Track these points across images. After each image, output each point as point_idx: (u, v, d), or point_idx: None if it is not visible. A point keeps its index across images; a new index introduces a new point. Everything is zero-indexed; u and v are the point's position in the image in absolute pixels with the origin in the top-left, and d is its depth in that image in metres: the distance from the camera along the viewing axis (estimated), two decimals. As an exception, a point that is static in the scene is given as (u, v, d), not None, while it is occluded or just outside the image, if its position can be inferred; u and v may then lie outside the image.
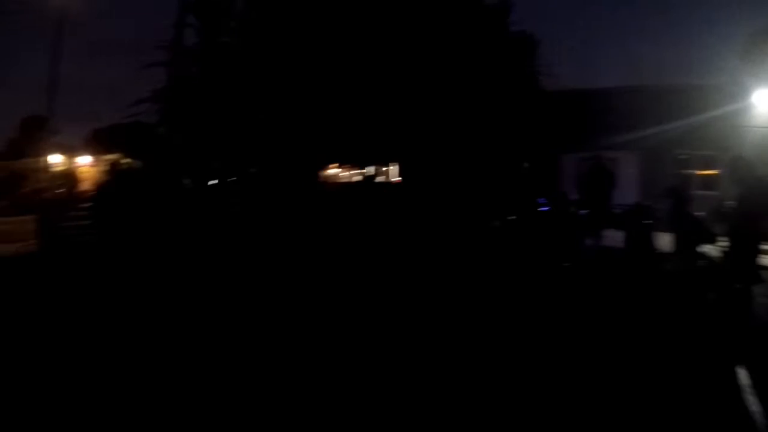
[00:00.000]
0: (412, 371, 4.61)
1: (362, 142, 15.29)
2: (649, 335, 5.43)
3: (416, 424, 3.78)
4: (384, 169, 21.31)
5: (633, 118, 19.76)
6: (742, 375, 4.41)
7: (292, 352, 5.18)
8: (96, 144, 38.55)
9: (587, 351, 5.06)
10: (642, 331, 5.55)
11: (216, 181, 17.41)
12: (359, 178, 21.14)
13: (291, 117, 14.77)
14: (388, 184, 20.04)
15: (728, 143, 17.24)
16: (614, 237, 10.44)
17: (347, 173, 22.60)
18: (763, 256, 5.92)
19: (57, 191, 20.71)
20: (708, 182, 19.22)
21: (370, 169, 21.12)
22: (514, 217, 13.20)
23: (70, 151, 32.03)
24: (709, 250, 6.67)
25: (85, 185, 17.95)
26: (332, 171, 21.64)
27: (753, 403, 3.97)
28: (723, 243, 6.31)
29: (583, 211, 11.87)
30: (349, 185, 20.62)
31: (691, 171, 20.47)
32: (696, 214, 7.45)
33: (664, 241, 7.87)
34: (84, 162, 25.80)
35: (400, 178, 19.19)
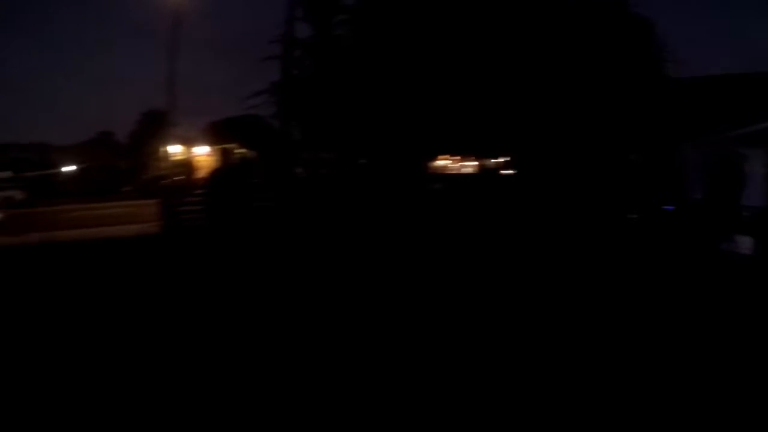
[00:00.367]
0: (554, 366, 4.23)
1: (475, 134, 14.87)
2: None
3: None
4: (492, 161, 20.75)
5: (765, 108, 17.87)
6: None
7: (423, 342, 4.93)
8: (212, 135, 40.71)
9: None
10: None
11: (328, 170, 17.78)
12: (471, 169, 20.78)
13: (403, 108, 14.64)
14: (509, 176, 19.24)
15: None
16: (742, 242, 9.25)
17: (457, 164, 22.35)
18: None
19: (176, 178, 22.13)
20: None
21: (488, 161, 20.46)
22: (635, 216, 12.13)
23: (188, 141, 33.97)
24: None
25: (202, 173, 18.90)
26: (442, 162, 21.45)
27: None
28: None
29: (707, 210, 10.69)
30: (470, 176, 20.24)
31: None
32: None
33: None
34: (201, 152, 27.25)
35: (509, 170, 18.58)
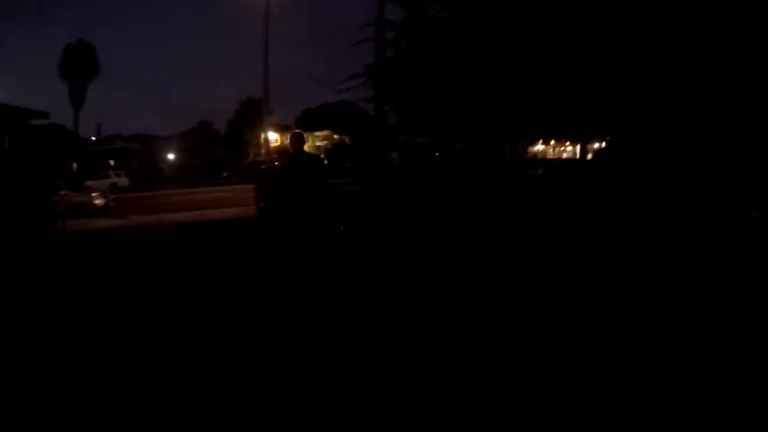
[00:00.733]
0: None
1: (576, 114, 13.84)
2: None
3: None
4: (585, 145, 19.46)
5: None
6: None
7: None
8: (307, 122, 41.55)
9: None
10: None
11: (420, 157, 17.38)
12: (569, 156, 19.68)
13: (498, 91, 13.91)
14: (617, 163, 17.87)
15: None
16: None
17: (555, 149, 21.29)
18: None
19: (272, 164, 22.55)
20: None
21: (593, 146, 19.12)
22: (754, 215, 10.30)
23: (283, 129, 34.75)
24: None
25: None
26: (539, 147, 20.46)
27: None
28: None
29: None
30: (577, 162, 19.04)
31: None
32: None
33: None
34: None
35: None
